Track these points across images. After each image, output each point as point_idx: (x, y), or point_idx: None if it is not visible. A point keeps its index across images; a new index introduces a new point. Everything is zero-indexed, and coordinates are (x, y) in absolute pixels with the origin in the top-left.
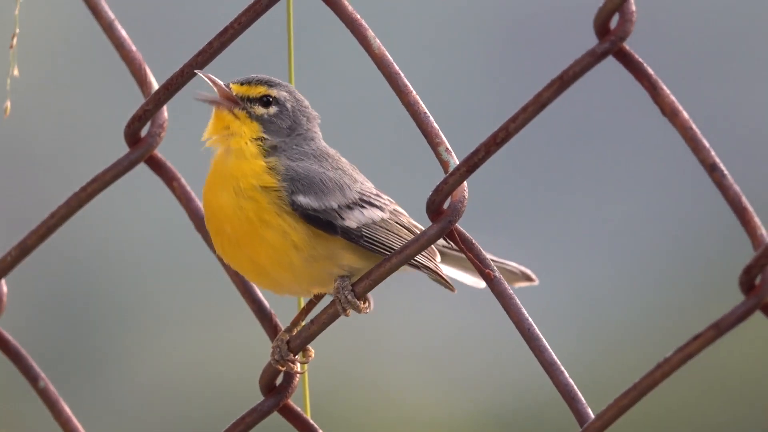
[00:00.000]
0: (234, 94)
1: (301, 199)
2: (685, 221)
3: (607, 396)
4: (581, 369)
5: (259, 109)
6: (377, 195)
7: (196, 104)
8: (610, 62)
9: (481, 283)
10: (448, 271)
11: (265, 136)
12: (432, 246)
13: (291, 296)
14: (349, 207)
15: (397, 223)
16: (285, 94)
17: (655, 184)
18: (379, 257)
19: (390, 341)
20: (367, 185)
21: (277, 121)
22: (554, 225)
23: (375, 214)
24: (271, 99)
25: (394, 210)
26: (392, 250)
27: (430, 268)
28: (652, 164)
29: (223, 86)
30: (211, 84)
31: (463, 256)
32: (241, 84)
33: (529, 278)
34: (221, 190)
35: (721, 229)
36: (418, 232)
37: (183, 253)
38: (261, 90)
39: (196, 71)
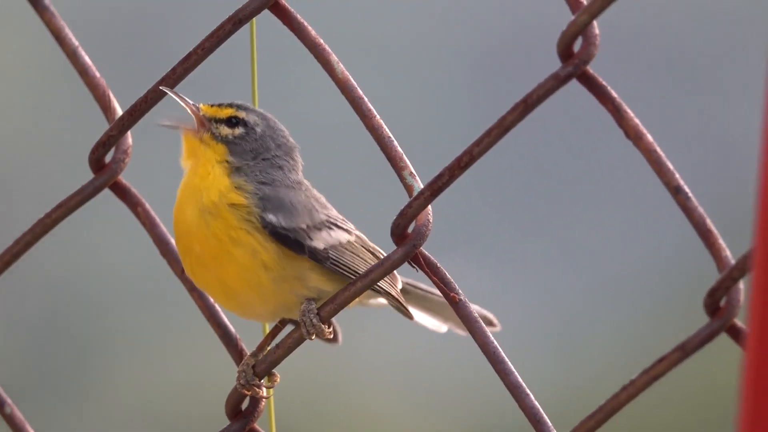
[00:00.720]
0: (202, 114)
1: (272, 218)
2: (658, 243)
3: (580, 417)
4: (554, 390)
5: (225, 130)
6: (343, 220)
7: (160, 130)
8: (578, 85)
9: (443, 327)
10: (411, 311)
11: (230, 159)
12: (396, 274)
13: (257, 321)
14: (317, 228)
15: (362, 246)
16: (255, 118)
17: (628, 206)
18: (346, 280)
19: (362, 360)
20: (333, 212)
21: (242, 143)
22: (526, 248)
23: (341, 236)
24: (237, 120)
25: (358, 235)
26: (357, 273)
27: (391, 294)
28: (625, 186)
29: (192, 105)
30: (179, 101)
31: (426, 295)
32: (211, 105)
33: (490, 323)
34: (186, 206)
35: (695, 249)
36: (381, 256)
37: (151, 279)
38: (229, 111)
39: (164, 89)
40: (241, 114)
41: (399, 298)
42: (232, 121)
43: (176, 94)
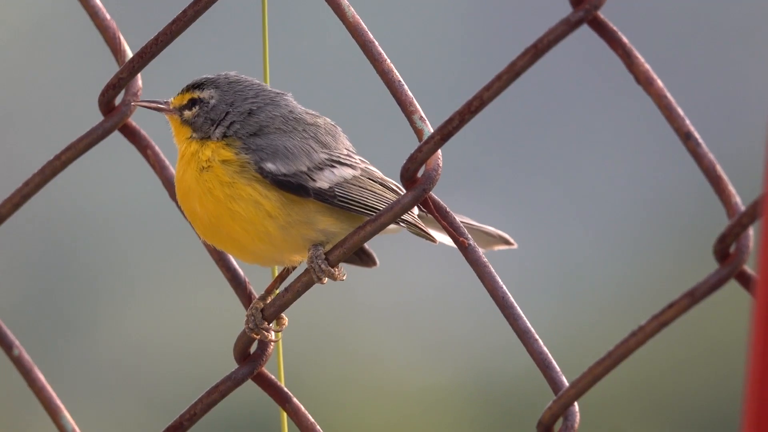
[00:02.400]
0: (172, 107)
1: (270, 166)
2: (663, 187)
3: (585, 362)
4: (559, 334)
5: (187, 113)
6: (347, 155)
7: (171, 73)
8: (586, 30)
9: None
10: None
11: (193, 135)
12: None
13: (278, 265)
14: (318, 168)
15: (369, 178)
16: (210, 92)
17: (633, 150)
18: (356, 218)
19: (369, 304)
20: (337, 149)
21: (197, 120)
22: (533, 190)
23: (346, 172)
24: (194, 101)
25: (366, 168)
26: (367, 207)
27: (408, 221)
28: (630, 130)
29: (163, 105)
30: (151, 107)
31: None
32: (178, 94)
33: (507, 242)
34: (185, 171)
35: (699, 194)
36: (392, 186)
37: (158, 218)
38: (188, 96)
39: (135, 103)
40: (196, 94)
41: (417, 224)
42: (190, 104)
43: (147, 102)
